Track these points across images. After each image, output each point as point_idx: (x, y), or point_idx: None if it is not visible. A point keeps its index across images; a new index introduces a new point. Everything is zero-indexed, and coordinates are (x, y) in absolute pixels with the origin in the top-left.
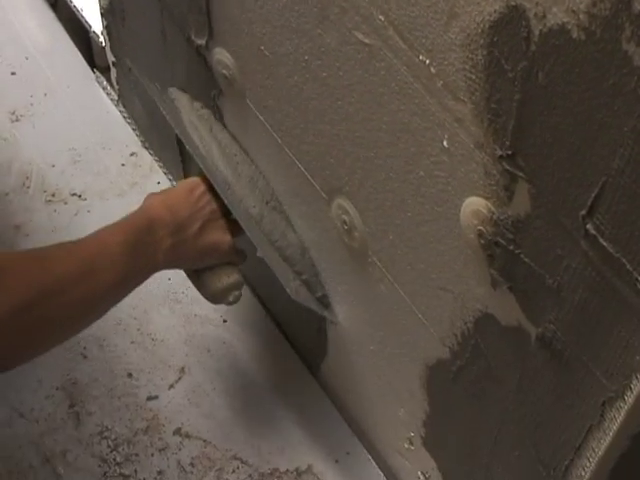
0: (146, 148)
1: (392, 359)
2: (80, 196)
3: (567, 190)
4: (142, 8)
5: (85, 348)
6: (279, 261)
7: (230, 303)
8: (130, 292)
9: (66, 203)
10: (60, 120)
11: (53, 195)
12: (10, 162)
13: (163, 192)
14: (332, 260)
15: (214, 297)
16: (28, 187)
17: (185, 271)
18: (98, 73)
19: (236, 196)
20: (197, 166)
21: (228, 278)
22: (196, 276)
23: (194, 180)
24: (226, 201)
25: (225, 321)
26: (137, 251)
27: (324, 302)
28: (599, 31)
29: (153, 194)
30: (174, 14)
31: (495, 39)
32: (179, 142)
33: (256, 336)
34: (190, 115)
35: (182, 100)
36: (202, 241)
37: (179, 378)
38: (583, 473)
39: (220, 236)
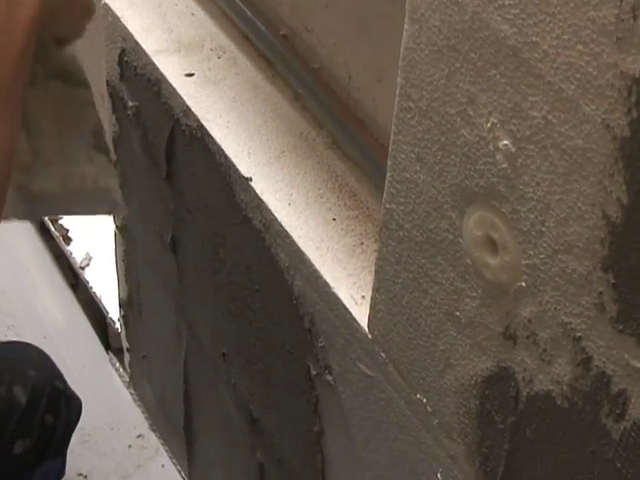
0: (153, 431)
1: None
2: (86, 477)
3: None
4: (159, 306)
5: None
6: None
7: None
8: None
9: None
10: None
11: None
12: None
13: None
14: None
15: None
16: None
17: None
18: (112, 354)
19: None
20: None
21: None
22: None
23: None
24: None
25: None
26: None
27: None
28: (581, 403)
29: None
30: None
31: (486, 392)
32: (186, 430)
33: None
34: None
35: None
36: None
37: None
38: None
39: None
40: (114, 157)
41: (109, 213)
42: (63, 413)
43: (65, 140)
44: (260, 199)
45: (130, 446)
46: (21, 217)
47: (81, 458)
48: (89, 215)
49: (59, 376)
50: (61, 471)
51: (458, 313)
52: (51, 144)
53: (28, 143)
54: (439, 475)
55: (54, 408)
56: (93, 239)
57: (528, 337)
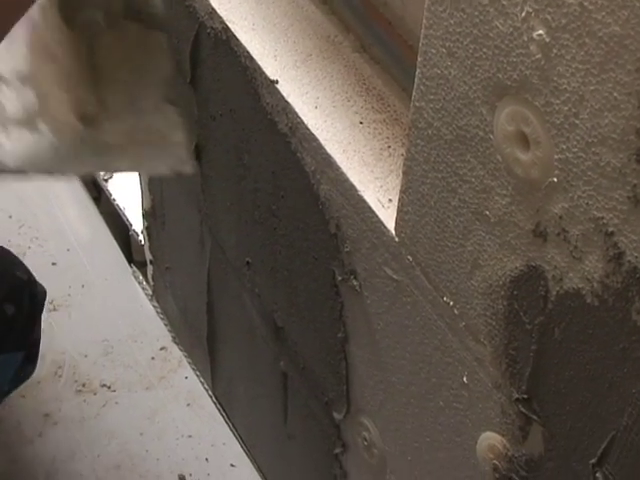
0: (176, 343)
1: None
2: (109, 387)
3: (579, 438)
4: (182, 217)
5: None
6: None
7: None
8: None
9: (95, 394)
10: (95, 311)
11: (83, 385)
12: (44, 351)
13: None
14: (353, 471)
15: None
16: (60, 376)
17: None
18: (135, 268)
19: None
20: None
21: None
22: None
23: None
24: None
25: None
26: None
27: None
28: (611, 300)
29: None
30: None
31: (515, 293)
32: (209, 341)
33: None
34: None
35: None
36: None
37: None
38: None
39: None
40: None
41: (175, 170)
42: (25, 304)
43: (134, 90)
44: (286, 102)
45: (153, 358)
46: (86, 170)
47: (104, 369)
48: (154, 172)
49: (21, 267)
50: (26, 367)
51: (487, 212)
52: (119, 94)
53: (95, 92)
54: (465, 379)
55: (15, 298)
56: None
57: (559, 234)
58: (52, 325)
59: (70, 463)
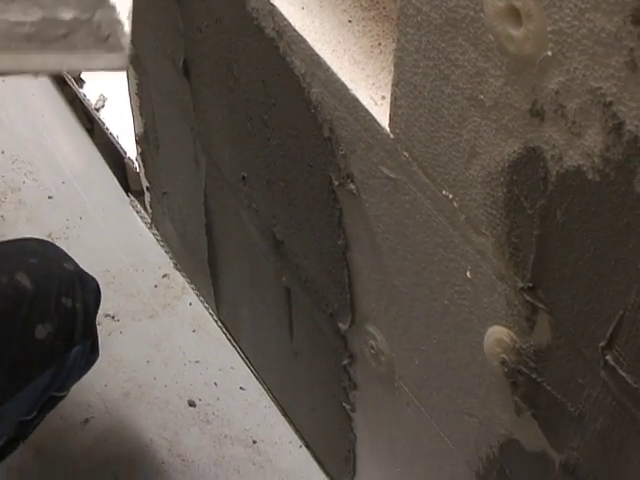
0: (178, 270)
1: None
2: (113, 317)
3: (586, 322)
4: (175, 137)
5: (117, 471)
6: None
7: None
8: None
9: (99, 324)
10: (95, 243)
11: None
12: None
13: None
14: (361, 381)
15: None
16: None
17: None
18: (132, 197)
19: None
20: None
21: None
22: None
23: None
24: None
25: (255, 442)
26: None
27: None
28: (613, 174)
29: None
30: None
31: (514, 178)
32: (210, 264)
33: (285, 457)
34: None
35: None
36: None
37: None
38: None
39: None
40: None
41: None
42: (79, 294)
43: None
44: (272, 4)
45: (156, 286)
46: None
47: (107, 299)
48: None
49: (67, 258)
50: (92, 355)
51: (482, 96)
52: None
53: None
54: (468, 273)
55: (69, 290)
56: (106, 79)
57: (556, 111)
58: None
59: (78, 394)
